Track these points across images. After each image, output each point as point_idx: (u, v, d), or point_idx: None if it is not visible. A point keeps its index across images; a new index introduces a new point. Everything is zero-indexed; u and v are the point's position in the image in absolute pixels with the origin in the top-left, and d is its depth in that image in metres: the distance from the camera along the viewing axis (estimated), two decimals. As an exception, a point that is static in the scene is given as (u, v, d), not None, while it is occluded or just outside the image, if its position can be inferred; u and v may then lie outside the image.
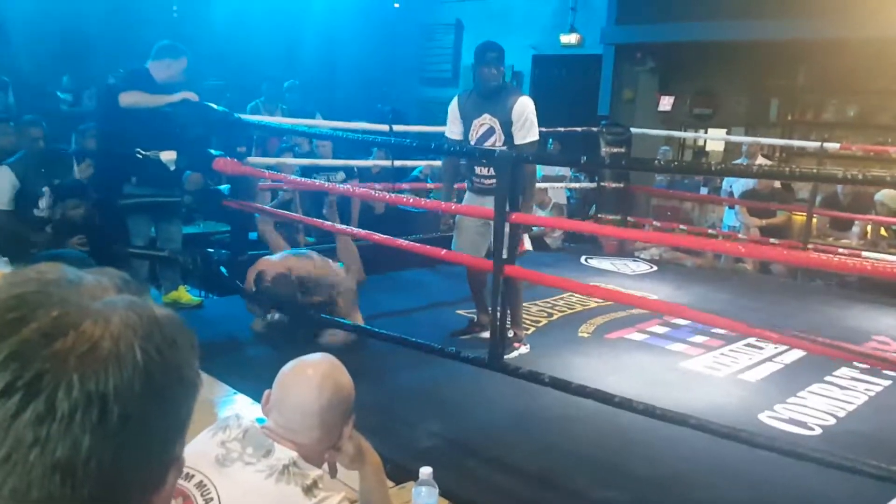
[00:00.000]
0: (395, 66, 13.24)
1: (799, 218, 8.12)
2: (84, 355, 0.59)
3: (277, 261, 4.81)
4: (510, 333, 4.57)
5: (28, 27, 9.24)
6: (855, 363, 4.78)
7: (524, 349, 4.81)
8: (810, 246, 7.06)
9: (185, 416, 0.68)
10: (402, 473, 2.92)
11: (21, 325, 0.60)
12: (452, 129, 4.87)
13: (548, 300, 5.99)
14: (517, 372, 3.76)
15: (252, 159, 5.84)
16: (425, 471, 2.19)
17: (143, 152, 4.92)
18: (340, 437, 1.81)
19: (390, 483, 2.35)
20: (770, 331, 3.57)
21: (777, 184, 8.15)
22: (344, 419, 1.82)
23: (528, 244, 4.91)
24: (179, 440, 0.68)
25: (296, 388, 1.79)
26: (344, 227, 5.24)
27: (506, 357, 4.08)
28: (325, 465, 1.82)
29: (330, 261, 4.92)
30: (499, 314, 3.79)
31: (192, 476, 1.67)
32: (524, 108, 4.57)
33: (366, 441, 1.89)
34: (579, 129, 7.88)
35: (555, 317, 5.66)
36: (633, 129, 8.44)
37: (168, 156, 4.98)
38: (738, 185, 8.25)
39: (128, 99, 5.07)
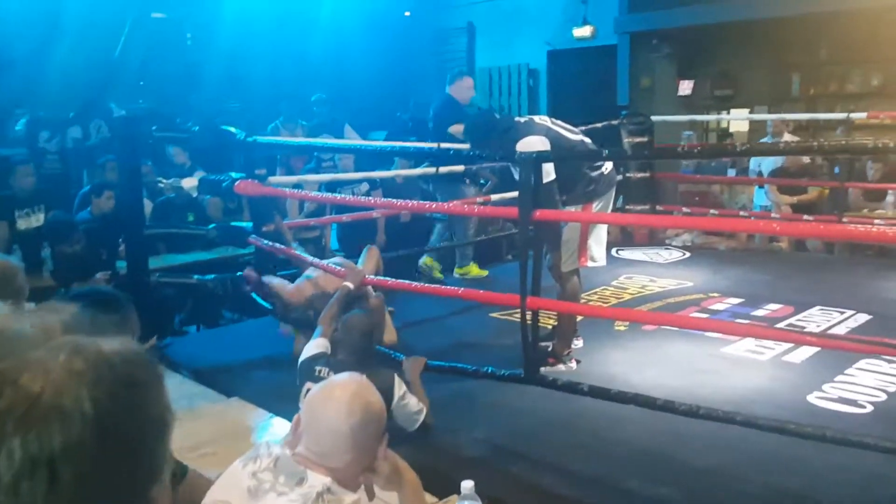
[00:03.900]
0: (410, 74, 13.21)
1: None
2: (24, 417, 0.54)
3: (296, 291, 4.69)
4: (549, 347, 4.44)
5: (38, 59, 9.15)
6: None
7: (561, 367, 4.36)
8: (845, 219, 6.92)
9: (158, 458, 0.62)
10: (446, 483, 2.86)
11: None
12: None
13: (581, 296, 5.88)
14: (555, 384, 3.71)
15: (274, 179, 5.84)
16: (467, 485, 2.14)
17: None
18: (375, 457, 1.77)
19: (433, 498, 2.30)
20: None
21: (806, 159, 8.02)
22: (377, 439, 1.78)
23: (590, 257, 4.57)
24: (155, 483, 0.62)
25: (325, 410, 1.75)
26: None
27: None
28: (362, 489, 1.77)
29: (353, 265, 4.73)
30: (529, 319, 3.73)
31: (225, 510, 1.64)
32: None
33: (402, 460, 1.84)
34: (599, 124, 7.74)
35: (590, 312, 5.58)
36: (654, 117, 8.32)
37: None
38: (767, 164, 8.12)
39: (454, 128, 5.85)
